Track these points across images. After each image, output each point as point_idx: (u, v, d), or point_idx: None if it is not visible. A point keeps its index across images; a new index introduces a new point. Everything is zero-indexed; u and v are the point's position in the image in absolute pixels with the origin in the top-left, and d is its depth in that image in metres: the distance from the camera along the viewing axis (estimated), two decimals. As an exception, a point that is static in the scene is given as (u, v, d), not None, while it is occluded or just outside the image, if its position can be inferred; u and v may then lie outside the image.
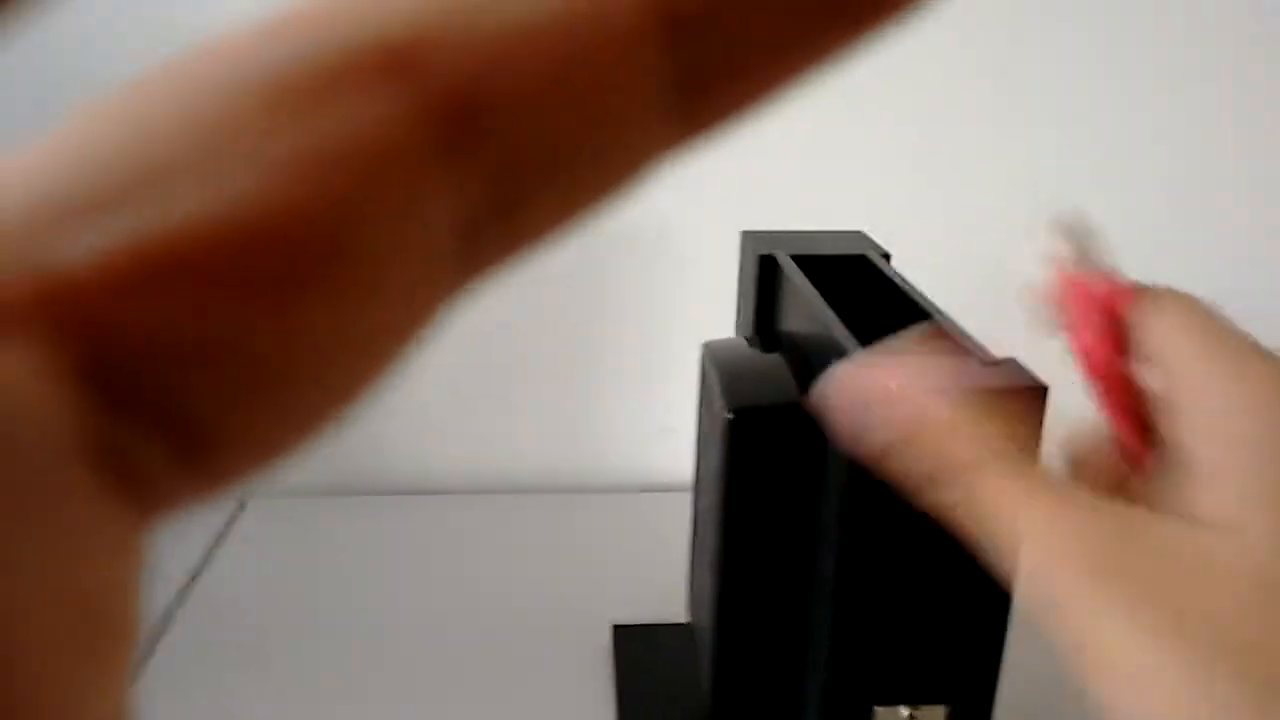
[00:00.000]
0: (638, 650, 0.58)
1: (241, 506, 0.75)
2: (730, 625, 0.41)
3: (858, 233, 0.52)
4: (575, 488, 0.80)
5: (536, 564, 0.69)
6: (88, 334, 0.08)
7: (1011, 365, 0.31)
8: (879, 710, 0.36)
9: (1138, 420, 0.27)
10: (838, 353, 0.36)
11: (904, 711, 0.36)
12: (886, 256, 0.49)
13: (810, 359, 0.41)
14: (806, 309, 0.43)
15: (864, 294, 0.44)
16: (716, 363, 0.43)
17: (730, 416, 0.38)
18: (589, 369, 0.79)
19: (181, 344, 0.08)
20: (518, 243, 0.10)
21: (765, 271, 0.48)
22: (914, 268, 0.46)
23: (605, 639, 0.60)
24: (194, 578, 0.66)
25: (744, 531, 0.39)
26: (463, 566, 0.68)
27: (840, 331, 0.37)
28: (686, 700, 0.55)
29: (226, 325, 0.08)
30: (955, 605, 0.35)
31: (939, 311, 0.40)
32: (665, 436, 0.80)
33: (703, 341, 0.46)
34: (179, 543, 0.70)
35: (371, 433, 0.79)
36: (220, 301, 0.08)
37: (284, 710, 0.55)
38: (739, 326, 0.52)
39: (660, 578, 0.64)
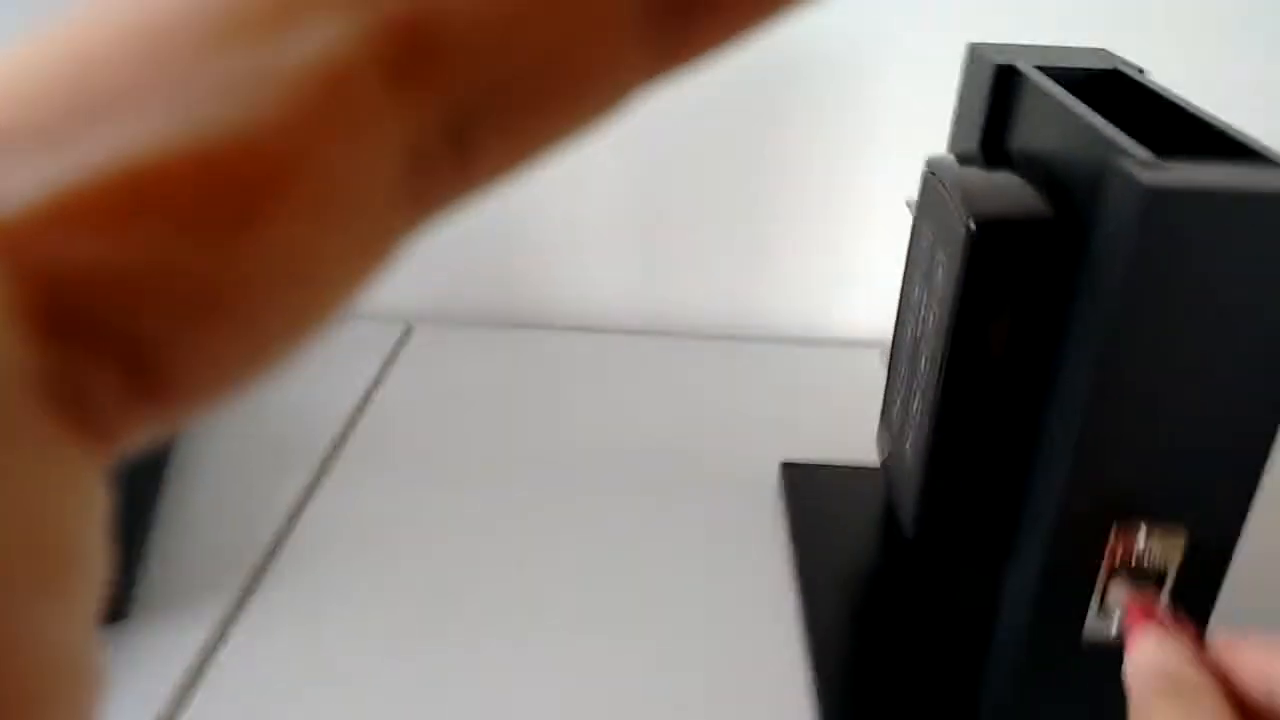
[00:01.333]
0: (806, 487, 0.57)
1: (409, 331, 0.75)
2: (948, 447, 0.38)
3: (1101, 50, 0.47)
4: (744, 335, 0.77)
5: (703, 407, 0.67)
6: (38, 269, 0.08)
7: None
8: (1117, 528, 0.33)
9: None
10: (1098, 165, 0.32)
11: (1143, 530, 0.34)
12: (1140, 72, 0.44)
13: (1055, 174, 0.37)
14: (1055, 120, 0.38)
15: (1118, 112, 0.39)
16: (947, 176, 0.39)
17: (973, 228, 0.35)
18: (765, 209, 0.75)
19: (132, 274, 0.08)
20: (475, 176, 0.10)
21: (1000, 84, 0.43)
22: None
23: (774, 477, 0.58)
24: (366, 401, 0.66)
25: (974, 351, 0.36)
26: (625, 404, 0.67)
27: (1116, 135, 0.33)
28: (860, 534, 0.54)
29: (178, 253, 0.08)
30: (1210, 423, 0.33)
31: (1226, 126, 0.35)
32: (842, 287, 0.76)
33: (926, 158, 0.42)
34: (347, 367, 0.70)
35: (540, 264, 0.77)
36: (171, 230, 0.08)
37: (446, 528, 0.55)
38: (954, 148, 0.48)
39: (829, 427, 0.62)
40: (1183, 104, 0.38)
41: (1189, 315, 0.31)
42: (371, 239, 0.10)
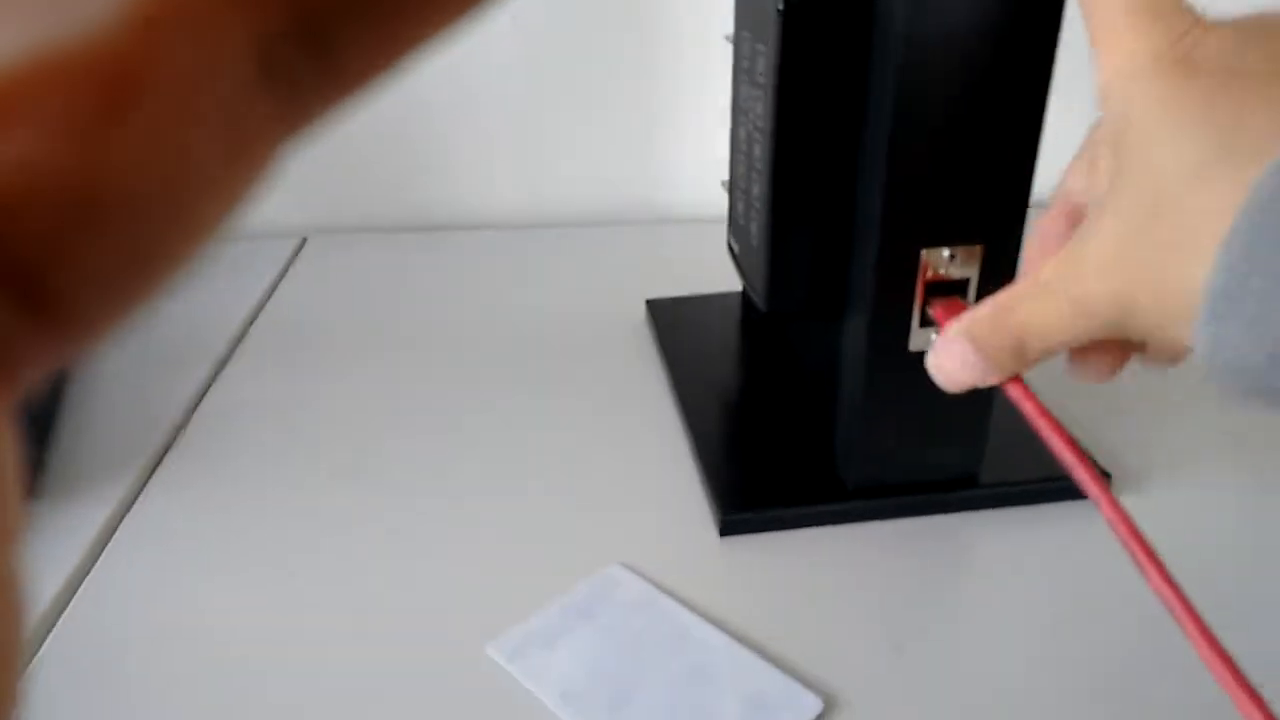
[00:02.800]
0: (671, 317, 0.62)
1: (303, 242, 0.77)
2: (785, 215, 0.42)
3: None
4: (619, 220, 0.80)
5: (577, 285, 0.70)
6: None
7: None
8: (925, 252, 0.38)
9: None
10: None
11: (945, 252, 0.38)
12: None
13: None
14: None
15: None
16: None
17: (781, 7, 0.38)
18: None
19: (5, 190, 0.08)
20: (344, 81, 0.10)
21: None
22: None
23: (641, 315, 0.62)
24: (260, 307, 0.68)
25: (798, 120, 0.40)
26: (509, 291, 0.69)
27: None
28: (719, 341, 0.59)
29: (47, 159, 0.08)
30: (989, 161, 0.37)
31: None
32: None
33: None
34: (243, 277, 0.72)
35: (428, 167, 0.79)
36: (37, 136, 0.08)
37: (349, 419, 0.57)
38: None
39: (690, 276, 0.65)
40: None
41: (952, 74, 0.36)
42: (240, 144, 0.09)
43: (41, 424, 0.54)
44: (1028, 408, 0.30)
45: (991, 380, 0.31)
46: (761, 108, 0.42)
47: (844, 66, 0.38)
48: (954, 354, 0.31)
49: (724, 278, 0.57)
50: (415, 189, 0.81)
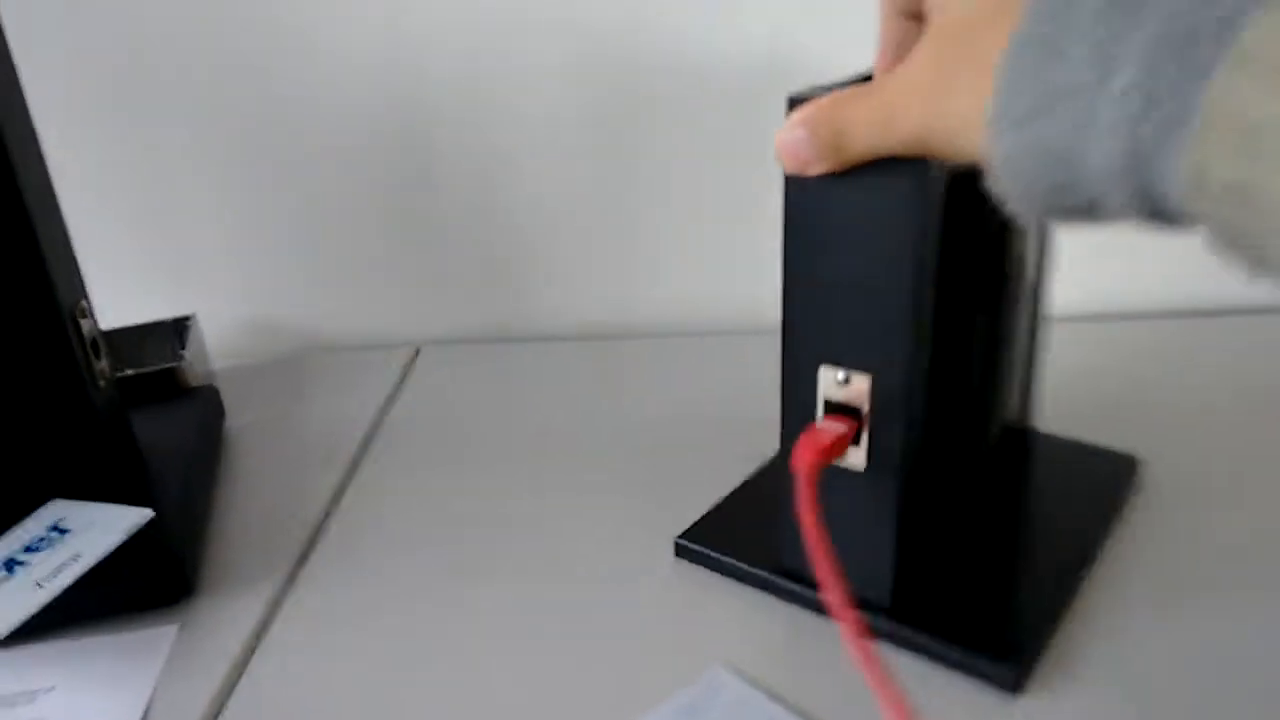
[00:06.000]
0: None
1: (416, 352, 0.83)
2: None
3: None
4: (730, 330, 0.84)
5: (679, 397, 0.74)
6: None
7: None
8: (822, 368, 0.44)
9: None
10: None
11: (840, 374, 0.43)
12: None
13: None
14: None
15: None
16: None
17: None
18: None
19: None
20: None
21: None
22: None
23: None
24: (384, 413, 0.74)
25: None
26: (614, 398, 0.74)
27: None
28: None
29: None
30: (881, 297, 0.41)
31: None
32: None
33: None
34: (364, 385, 0.78)
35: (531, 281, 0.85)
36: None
37: (470, 519, 0.61)
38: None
39: None
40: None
41: (834, 231, 0.41)
42: None
43: (195, 521, 0.59)
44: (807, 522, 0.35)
45: (820, 167, 0.38)
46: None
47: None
48: (793, 136, 0.38)
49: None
50: (518, 300, 0.86)
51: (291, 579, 0.56)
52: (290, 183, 0.83)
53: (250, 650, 0.50)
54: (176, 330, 0.76)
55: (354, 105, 0.79)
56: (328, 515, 0.61)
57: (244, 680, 0.48)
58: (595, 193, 0.81)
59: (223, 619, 0.52)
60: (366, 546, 0.58)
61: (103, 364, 0.58)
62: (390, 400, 0.76)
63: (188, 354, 0.73)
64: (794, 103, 0.38)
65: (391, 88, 0.78)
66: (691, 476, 0.60)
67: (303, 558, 0.57)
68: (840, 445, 0.43)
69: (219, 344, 0.86)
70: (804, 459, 0.42)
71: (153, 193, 0.83)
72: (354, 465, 0.67)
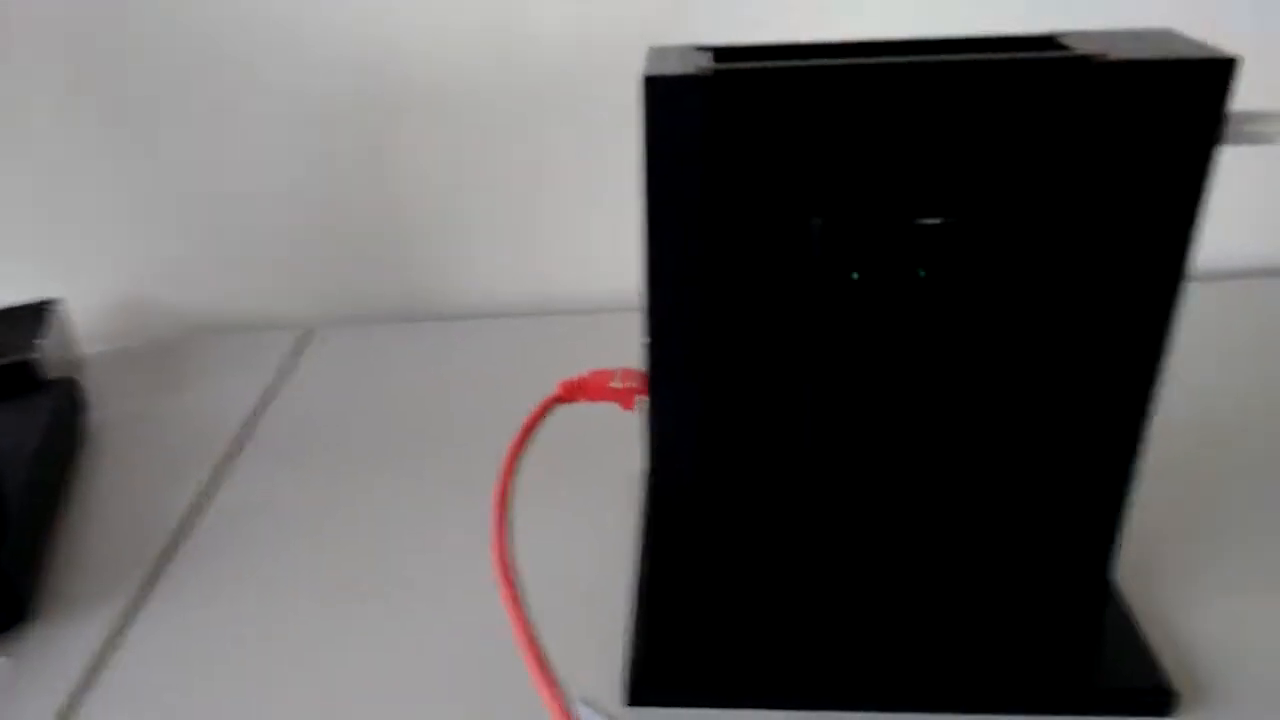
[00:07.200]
0: None
1: (307, 334, 0.77)
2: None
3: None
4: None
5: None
6: None
7: None
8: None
9: None
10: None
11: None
12: None
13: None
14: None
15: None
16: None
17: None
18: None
19: None
20: None
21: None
22: None
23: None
24: (266, 403, 0.68)
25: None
26: (514, 380, 0.69)
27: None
28: None
29: None
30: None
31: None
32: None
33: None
34: (244, 372, 0.72)
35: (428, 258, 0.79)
36: None
37: (355, 520, 0.56)
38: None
39: None
40: None
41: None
42: None
43: (31, 542, 0.54)
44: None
45: None
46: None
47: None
48: None
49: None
50: (420, 278, 0.81)
51: (142, 597, 0.50)
52: (175, 152, 0.76)
53: (86, 684, 0.45)
54: (37, 316, 0.70)
55: (241, 70, 0.73)
56: (193, 520, 0.56)
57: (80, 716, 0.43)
58: (491, 169, 0.76)
59: (60, 649, 0.47)
60: (232, 556, 0.53)
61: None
62: (275, 387, 0.70)
63: (45, 343, 0.66)
64: (650, 81, 0.33)
65: (279, 56, 0.72)
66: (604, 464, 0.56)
67: (156, 572, 0.52)
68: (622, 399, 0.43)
69: (93, 328, 0.80)
70: (572, 387, 0.43)
71: (20, 160, 0.76)
72: (227, 461, 0.61)
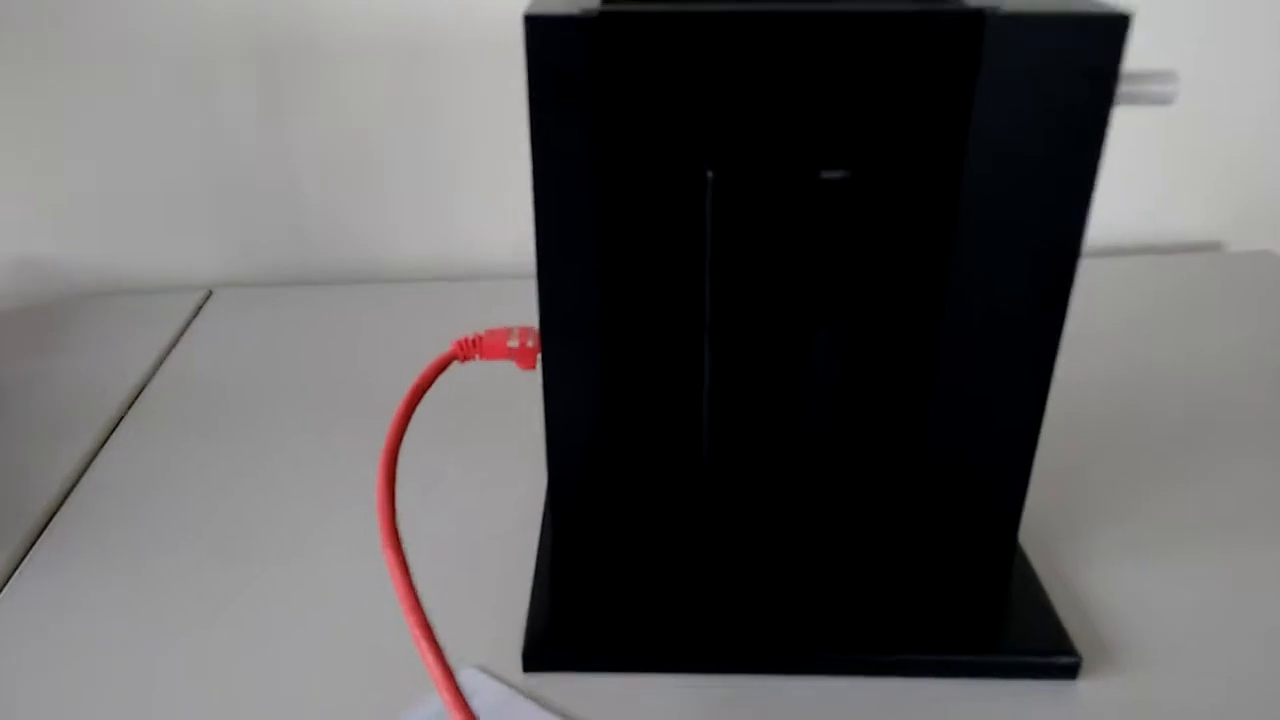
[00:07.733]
0: None
1: (207, 295, 0.74)
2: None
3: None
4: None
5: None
6: None
7: None
8: None
9: None
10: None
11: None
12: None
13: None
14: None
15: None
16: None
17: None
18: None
19: None
20: None
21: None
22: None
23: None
24: (159, 365, 0.65)
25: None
26: (417, 345, 0.67)
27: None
28: None
29: None
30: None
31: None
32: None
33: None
34: (139, 332, 0.69)
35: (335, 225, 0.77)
36: None
37: (241, 476, 0.54)
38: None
39: None
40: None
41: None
42: None
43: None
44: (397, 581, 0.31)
45: None
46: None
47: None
48: None
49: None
50: (320, 241, 0.78)
51: (13, 572, 0.48)
52: (71, 111, 0.72)
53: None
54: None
55: (133, 22, 0.69)
56: (71, 490, 0.53)
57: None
58: (393, 128, 0.73)
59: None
60: (117, 518, 0.50)
61: None
62: (167, 351, 0.67)
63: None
64: (530, 21, 0.31)
65: (173, 7, 0.69)
66: (497, 432, 0.54)
67: (29, 546, 0.50)
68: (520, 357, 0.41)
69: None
70: (467, 346, 0.41)
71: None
72: (112, 428, 0.59)
